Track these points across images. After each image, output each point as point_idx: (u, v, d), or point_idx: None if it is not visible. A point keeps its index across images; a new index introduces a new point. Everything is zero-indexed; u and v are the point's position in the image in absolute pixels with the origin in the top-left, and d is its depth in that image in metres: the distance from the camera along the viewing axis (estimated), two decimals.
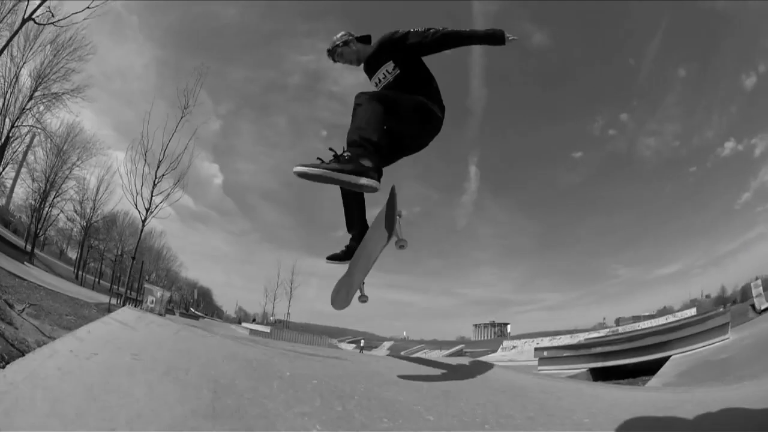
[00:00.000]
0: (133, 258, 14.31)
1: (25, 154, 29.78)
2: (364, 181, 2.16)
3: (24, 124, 28.40)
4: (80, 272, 38.56)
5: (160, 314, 10.61)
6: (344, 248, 3.06)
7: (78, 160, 34.96)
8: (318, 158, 2.18)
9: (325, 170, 2.11)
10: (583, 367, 8.69)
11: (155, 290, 11.10)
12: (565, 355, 9.44)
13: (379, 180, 2.24)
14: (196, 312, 72.13)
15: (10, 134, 26.70)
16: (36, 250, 32.98)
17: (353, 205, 2.92)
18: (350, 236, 3.06)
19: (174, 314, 30.46)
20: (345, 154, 2.20)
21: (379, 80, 2.80)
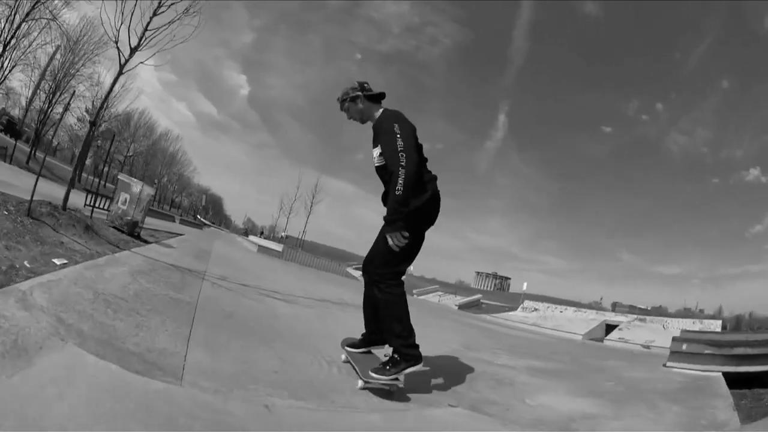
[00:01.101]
0: (92, 124, 9.97)
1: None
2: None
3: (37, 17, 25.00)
4: (80, 172, 35.94)
5: (135, 223, 7.11)
6: (361, 336, 2.99)
7: (93, 54, 31.38)
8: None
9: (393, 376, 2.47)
10: (717, 370, 5.95)
11: (133, 184, 7.42)
12: (706, 352, 6.41)
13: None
14: (203, 220, 71.64)
15: (19, 28, 23.37)
16: (39, 153, 30.03)
17: (372, 315, 2.88)
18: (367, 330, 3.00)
19: (174, 221, 28.24)
20: (395, 356, 2.56)
21: (374, 159, 2.81)
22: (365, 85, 2.84)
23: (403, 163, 2.51)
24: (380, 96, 2.85)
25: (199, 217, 72.10)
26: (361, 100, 2.80)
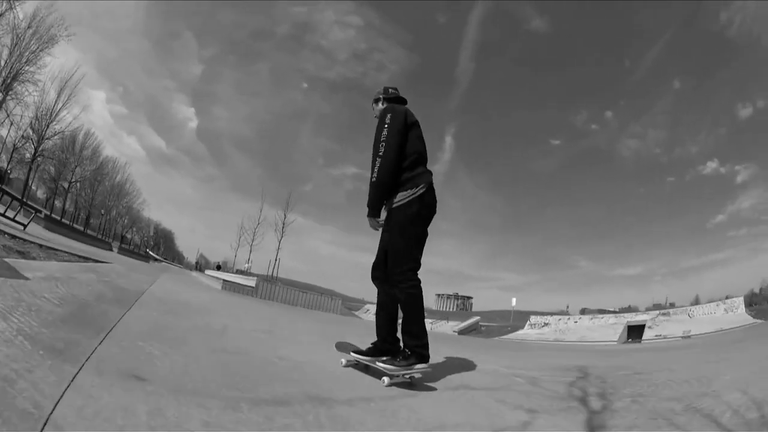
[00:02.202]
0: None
1: None
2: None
3: None
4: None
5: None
6: (370, 346, 2.83)
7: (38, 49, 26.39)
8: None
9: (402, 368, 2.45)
10: None
11: None
12: None
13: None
14: (153, 254, 64.40)
15: None
16: None
17: (386, 320, 2.85)
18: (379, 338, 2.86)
19: (111, 249, 22.95)
20: (407, 351, 2.55)
21: None
22: (390, 90, 3.09)
23: (380, 153, 2.66)
24: (400, 100, 3.06)
25: (149, 251, 66.16)
26: (382, 102, 3.03)
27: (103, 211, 51.66)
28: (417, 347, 2.55)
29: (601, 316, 27.12)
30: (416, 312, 2.61)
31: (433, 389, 2.43)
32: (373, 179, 2.64)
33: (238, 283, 12.31)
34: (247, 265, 30.67)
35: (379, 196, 2.68)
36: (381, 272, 2.78)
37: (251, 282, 12.82)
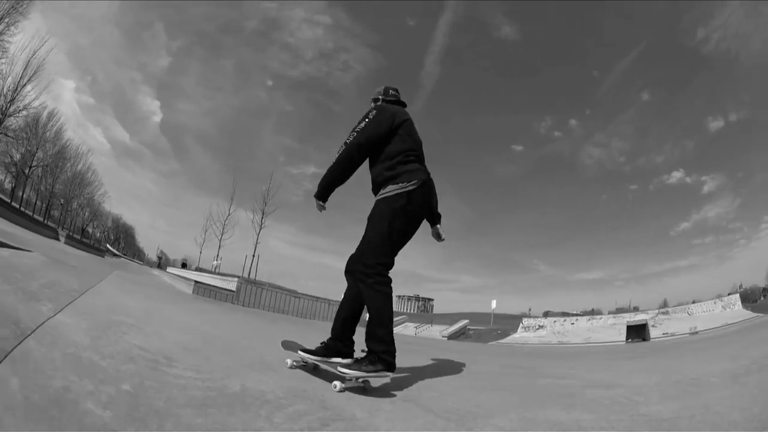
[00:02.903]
0: None
1: None
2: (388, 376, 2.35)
3: None
4: None
5: None
6: (321, 345, 2.56)
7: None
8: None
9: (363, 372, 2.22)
10: None
11: None
12: None
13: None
14: (113, 249, 59.89)
15: None
16: None
17: (347, 317, 2.57)
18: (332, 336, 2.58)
19: (58, 239, 19.28)
20: (372, 357, 2.28)
21: None
22: (390, 91, 2.97)
23: (347, 140, 2.57)
24: (398, 103, 2.95)
25: (108, 246, 61.47)
26: (380, 104, 2.87)
27: (62, 201, 46.77)
28: (384, 353, 2.29)
29: (599, 316, 26.51)
30: (384, 313, 2.37)
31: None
32: (332, 163, 2.58)
33: (215, 287, 9.45)
34: (215, 263, 27.18)
35: (330, 179, 2.60)
36: (355, 265, 2.57)
37: (231, 284, 9.98)
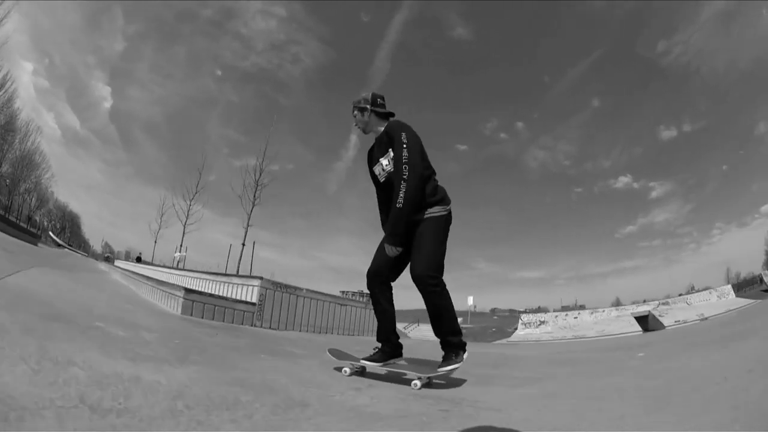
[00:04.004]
0: None
1: None
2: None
3: None
4: None
5: None
6: (378, 351, 2.77)
7: None
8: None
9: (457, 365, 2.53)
10: None
11: None
12: None
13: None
14: (57, 239, 53.76)
15: None
16: None
17: (390, 323, 2.80)
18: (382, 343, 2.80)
19: None
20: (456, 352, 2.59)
21: (381, 169, 2.80)
22: (378, 100, 2.87)
23: (405, 176, 2.54)
24: (389, 115, 2.89)
25: (52, 235, 54.90)
26: (368, 113, 2.84)
27: (8, 182, 39.85)
28: (463, 343, 2.63)
29: (601, 310, 26.02)
30: (454, 312, 2.66)
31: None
32: (399, 205, 2.54)
33: (224, 299, 5.18)
34: (178, 255, 22.04)
35: (406, 221, 2.58)
36: (385, 277, 2.76)
37: (246, 291, 5.73)
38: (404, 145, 2.57)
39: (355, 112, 2.87)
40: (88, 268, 16.54)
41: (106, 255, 46.04)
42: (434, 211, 2.64)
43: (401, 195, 2.51)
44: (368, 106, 2.82)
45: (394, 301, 2.78)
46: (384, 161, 2.73)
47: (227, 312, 5.04)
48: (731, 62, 49.02)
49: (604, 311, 25.51)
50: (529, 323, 27.79)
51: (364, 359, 2.72)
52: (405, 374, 2.58)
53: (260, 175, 21.24)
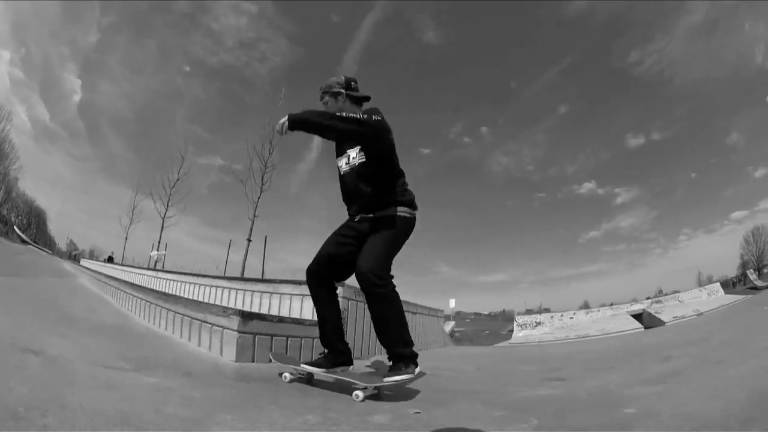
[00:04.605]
0: None
1: None
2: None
3: None
4: None
5: None
6: (323, 356, 2.49)
7: None
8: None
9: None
10: None
11: None
12: None
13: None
14: (21, 234, 50.49)
15: None
16: None
17: (334, 327, 2.51)
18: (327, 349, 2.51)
19: None
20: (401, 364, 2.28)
21: (349, 161, 2.57)
22: (352, 83, 2.59)
23: (344, 116, 2.30)
24: (364, 99, 2.61)
25: (17, 230, 51.41)
26: (342, 98, 2.55)
27: None
28: (413, 355, 2.32)
29: (596, 309, 25.20)
30: (403, 318, 2.38)
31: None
32: (322, 113, 2.34)
33: (299, 323, 2.95)
34: (155, 254, 19.09)
35: (310, 121, 2.29)
36: (326, 272, 2.50)
37: (298, 303, 3.53)
38: (376, 116, 2.38)
39: (326, 98, 2.58)
40: (52, 268, 13.80)
41: (73, 253, 42.02)
42: (403, 212, 2.44)
43: (340, 114, 2.29)
44: (342, 90, 2.55)
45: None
46: (353, 153, 2.51)
47: (301, 343, 2.90)
48: (707, 72, 49.62)
49: (599, 311, 24.63)
50: (525, 325, 27.67)
51: (306, 363, 2.46)
52: (355, 384, 2.21)
53: (271, 152, 17.77)
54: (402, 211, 2.43)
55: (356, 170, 2.47)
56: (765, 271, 30.68)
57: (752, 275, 28.28)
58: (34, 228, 67.65)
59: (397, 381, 2.19)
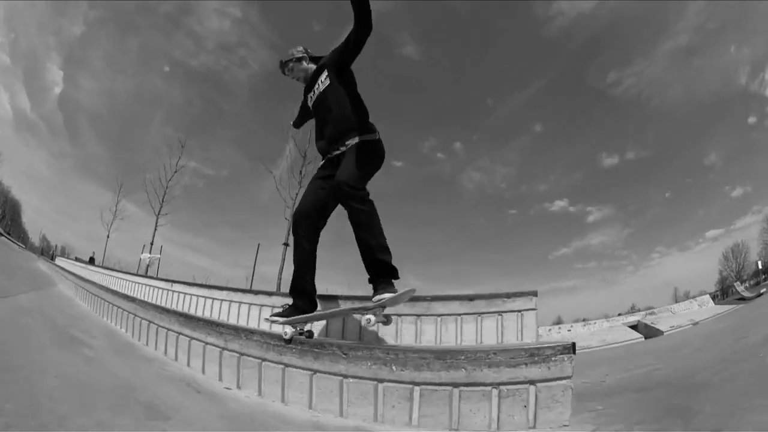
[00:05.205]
0: None
1: None
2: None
3: None
4: None
5: None
6: (289, 306, 2.51)
7: None
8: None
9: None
10: None
11: None
12: None
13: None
14: None
15: None
16: None
17: (309, 272, 2.58)
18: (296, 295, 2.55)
19: None
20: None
21: (314, 92, 2.71)
22: (308, 49, 2.86)
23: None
24: (317, 59, 2.81)
25: None
26: (306, 61, 2.82)
27: None
28: (392, 264, 2.37)
29: (592, 321, 26.85)
30: (381, 227, 2.41)
31: None
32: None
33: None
34: (147, 257, 17.04)
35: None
36: (314, 219, 2.57)
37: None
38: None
39: (291, 64, 2.81)
40: (25, 269, 11.75)
41: (50, 251, 38.93)
42: (373, 136, 2.56)
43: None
44: (305, 54, 2.81)
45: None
46: (321, 77, 2.64)
47: None
48: (687, 94, 50.29)
49: (595, 323, 26.50)
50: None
51: (270, 317, 2.52)
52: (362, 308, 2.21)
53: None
54: (373, 137, 2.56)
55: (326, 94, 2.61)
56: (751, 282, 31.45)
57: (740, 287, 29.26)
58: (9, 219, 64.88)
59: (390, 297, 2.19)
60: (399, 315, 3.07)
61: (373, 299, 2.22)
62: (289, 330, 2.35)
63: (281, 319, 2.40)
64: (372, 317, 2.16)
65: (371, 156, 2.50)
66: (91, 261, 22.32)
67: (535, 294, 3.12)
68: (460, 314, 3.05)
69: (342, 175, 2.38)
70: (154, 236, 19.03)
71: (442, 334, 3.04)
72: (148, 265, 16.82)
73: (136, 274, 12.93)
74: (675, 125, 52.17)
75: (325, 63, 2.65)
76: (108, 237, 23.71)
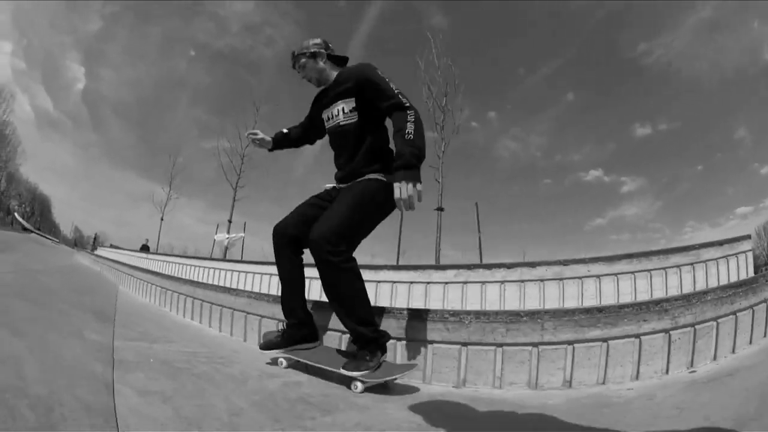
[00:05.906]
0: None
1: None
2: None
3: None
4: None
5: None
6: (280, 334, 2.14)
7: None
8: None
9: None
10: None
11: None
12: None
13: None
14: (21, 221, 46.91)
15: None
16: None
17: (295, 292, 2.15)
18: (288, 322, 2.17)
19: None
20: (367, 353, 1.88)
21: (333, 118, 2.14)
22: (330, 44, 2.21)
23: (408, 104, 1.90)
24: (344, 60, 2.23)
25: (18, 217, 48.06)
26: (322, 59, 2.17)
27: None
28: (376, 334, 1.90)
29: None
30: (362, 293, 1.90)
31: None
32: (410, 136, 1.82)
33: None
34: (225, 239, 12.92)
35: (421, 155, 1.85)
36: (294, 233, 2.07)
37: None
38: (388, 80, 1.94)
39: (303, 60, 2.16)
40: (57, 267, 7.37)
41: (92, 240, 35.85)
42: (373, 175, 2.02)
43: (410, 125, 1.82)
44: (323, 51, 2.16)
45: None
46: (344, 106, 2.04)
47: None
48: (714, 67, 45.11)
49: None
50: None
51: (261, 345, 2.16)
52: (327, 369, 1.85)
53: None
54: (375, 175, 2.01)
55: (337, 132, 2.14)
56: None
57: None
58: (38, 215, 65.43)
59: (353, 375, 1.77)
60: None
61: (340, 368, 1.82)
62: (283, 361, 2.14)
63: (275, 350, 2.12)
64: (360, 384, 1.76)
65: (369, 199, 1.95)
66: (144, 248, 18.11)
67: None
68: None
69: (319, 229, 1.86)
70: (231, 213, 14.87)
71: None
72: (226, 247, 12.56)
73: (220, 260, 8.42)
74: (705, 97, 48.09)
75: (349, 89, 2.02)
76: (162, 220, 19.91)
